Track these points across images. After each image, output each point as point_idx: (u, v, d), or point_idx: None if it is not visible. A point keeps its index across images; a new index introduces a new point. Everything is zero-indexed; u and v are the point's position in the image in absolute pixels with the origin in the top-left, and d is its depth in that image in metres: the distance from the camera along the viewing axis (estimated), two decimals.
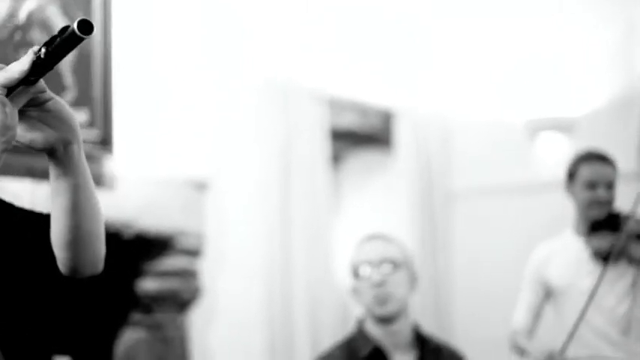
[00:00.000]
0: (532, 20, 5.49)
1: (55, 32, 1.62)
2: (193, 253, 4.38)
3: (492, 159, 5.67)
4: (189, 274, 4.38)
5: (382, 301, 3.10)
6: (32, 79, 1.49)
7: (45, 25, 3.79)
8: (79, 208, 1.72)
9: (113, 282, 4.22)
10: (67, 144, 1.67)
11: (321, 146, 5.12)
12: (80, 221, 1.73)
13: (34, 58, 1.46)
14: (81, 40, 1.42)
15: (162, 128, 4.34)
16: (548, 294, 3.88)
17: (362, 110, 5.55)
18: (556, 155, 5.28)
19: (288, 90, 4.96)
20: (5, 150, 1.45)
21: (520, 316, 3.90)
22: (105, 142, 3.89)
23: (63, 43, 1.45)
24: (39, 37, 3.71)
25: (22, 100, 1.51)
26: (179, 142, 4.43)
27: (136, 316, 4.34)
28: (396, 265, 3.14)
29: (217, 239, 4.57)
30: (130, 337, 4.32)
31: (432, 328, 5.39)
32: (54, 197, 1.73)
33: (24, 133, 1.55)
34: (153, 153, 4.25)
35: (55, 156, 1.68)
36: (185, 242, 4.32)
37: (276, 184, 4.86)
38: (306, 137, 5.03)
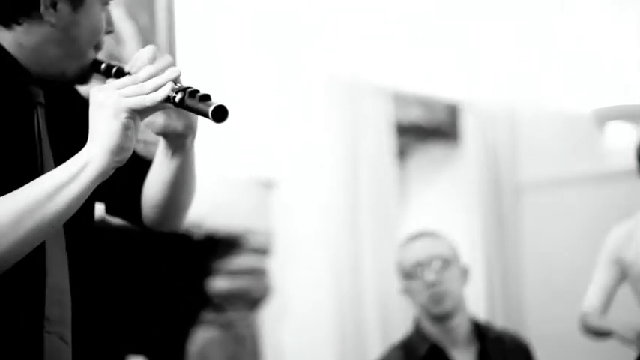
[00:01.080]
0: (597, 7, 5.41)
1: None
2: (262, 251, 4.40)
3: (560, 150, 5.59)
4: (258, 273, 4.40)
5: (438, 299, 3.07)
6: None
7: (118, 38, 3.82)
8: (177, 185, 1.87)
9: (184, 281, 4.27)
10: (182, 136, 1.78)
11: (387, 141, 5.11)
12: (175, 195, 1.89)
13: (168, 96, 1.51)
14: (208, 118, 1.49)
15: (229, 128, 4.35)
16: (623, 275, 3.77)
17: (427, 104, 5.52)
18: (625, 144, 5.20)
19: (353, 85, 4.96)
20: (115, 168, 1.51)
21: (593, 297, 3.76)
22: None
23: (195, 107, 1.51)
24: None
25: (150, 113, 1.58)
26: (246, 142, 4.45)
27: (208, 315, 4.38)
28: (446, 261, 3.11)
29: (286, 237, 4.58)
30: (202, 336, 4.35)
31: (501, 324, 5.35)
32: (157, 168, 1.87)
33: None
34: (220, 153, 4.27)
35: (168, 139, 1.80)
36: (254, 241, 4.34)
37: (343, 180, 4.86)
38: (372, 133, 5.01)
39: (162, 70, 1.56)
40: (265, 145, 4.55)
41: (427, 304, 3.09)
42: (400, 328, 4.84)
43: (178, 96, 1.51)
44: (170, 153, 1.82)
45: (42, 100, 1.75)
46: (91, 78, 1.81)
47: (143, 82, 1.54)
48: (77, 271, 1.77)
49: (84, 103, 1.85)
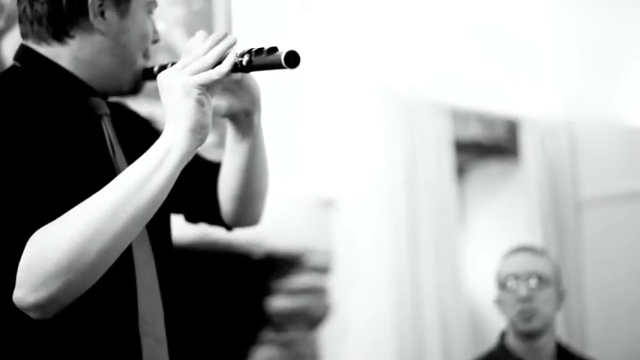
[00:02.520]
0: None
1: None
2: (322, 270, 4.39)
3: (620, 164, 5.52)
4: (318, 292, 4.39)
5: (527, 316, 3.02)
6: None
7: (170, 48, 3.85)
8: (251, 169, 1.89)
9: (244, 301, 4.27)
10: (248, 113, 1.81)
11: (446, 159, 5.08)
12: (251, 180, 1.91)
13: (235, 63, 1.50)
14: (283, 68, 1.46)
15: (288, 147, 4.37)
16: None
17: (486, 120, 5.48)
18: None
19: (412, 103, 4.94)
20: (199, 146, 1.51)
21: None
22: None
23: (266, 62, 1.48)
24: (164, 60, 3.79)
25: (217, 90, 1.58)
26: (305, 160, 4.46)
27: (268, 334, 4.38)
28: (543, 280, 3.06)
29: (346, 256, 4.58)
30: (262, 356, 4.36)
31: (563, 340, 5.29)
32: (229, 156, 1.90)
33: None
34: (279, 172, 4.28)
35: (236, 121, 1.82)
36: (314, 260, 4.34)
37: (403, 198, 4.84)
38: (430, 150, 4.99)
39: (219, 41, 1.57)
40: (325, 163, 4.55)
41: (516, 320, 3.05)
42: (460, 348, 4.81)
43: (245, 59, 1.49)
44: (240, 136, 1.85)
45: (107, 111, 1.79)
46: (143, 86, 1.84)
47: (204, 55, 1.54)
48: (163, 274, 1.79)
49: (135, 113, 1.89)
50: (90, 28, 1.73)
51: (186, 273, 3.98)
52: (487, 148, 5.63)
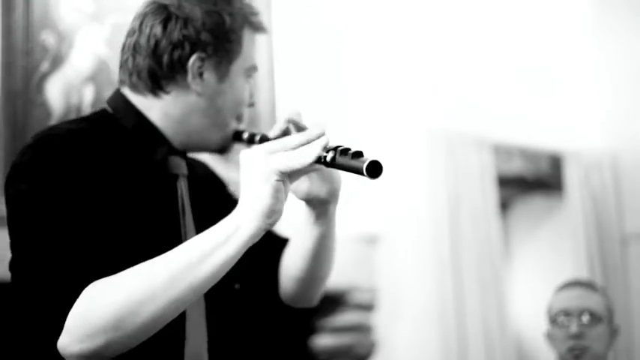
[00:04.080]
0: None
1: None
2: (367, 307, 4.37)
3: None
4: (364, 329, 4.37)
5: (578, 354, 2.98)
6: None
7: None
8: (318, 255, 1.89)
9: (290, 340, 4.26)
10: (325, 202, 1.80)
11: (489, 194, 5.05)
12: (315, 265, 1.91)
13: (319, 157, 1.49)
14: (363, 175, 1.44)
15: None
16: None
17: (530, 155, 5.45)
18: None
19: (454, 138, 4.93)
20: (267, 230, 1.50)
21: None
22: None
23: (348, 165, 1.47)
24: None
25: (300, 176, 1.59)
26: (348, 197, 4.44)
27: None
28: (595, 317, 3.02)
29: (390, 292, 4.55)
30: None
31: None
32: (299, 238, 1.90)
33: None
34: None
35: (311, 206, 1.82)
36: (359, 297, 4.32)
37: (447, 234, 4.82)
38: (474, 185, 4.97)
39: (312, 139, 1.54)
40: (369, 199, 4.54)
41: (566, 356, 3.01)
42: None
43: (329, 155, 1.48)
44: (312, 220, 1.84)
45: (185, 171, 1.80)
46: (231, 148, 1.84)
47: (293, 149, 1.52)
48: (215, 338, 1.79)
49: (213, 175, 1.90)
50: (187, 87, 1.75)
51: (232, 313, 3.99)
52: (531, 183, 5.60)
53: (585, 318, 3.01)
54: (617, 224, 5.68)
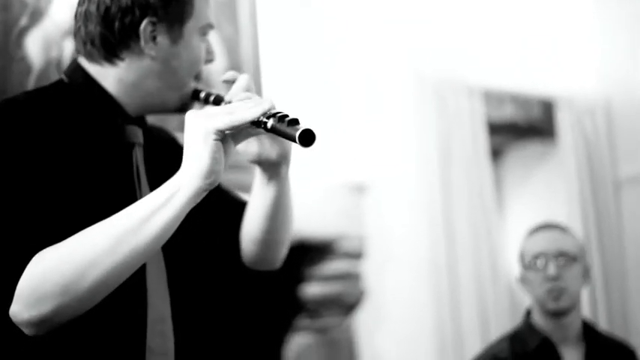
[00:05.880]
0: None
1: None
2: (356, 255, 4.38)
3: None
4: (352, 277, 4.38)
5: (557, 295, 3.02)
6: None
7: None
8: (274, 216, 1.92)
9: (278, 289, 4.28)
10: (276, 165, 1.83)
11: (481, 141, 5.04)
12: (274, 227, 1.94)
13: (258, 119, 1.52)
14: (296, 143, 1.49)
15: (319, 131, 4.35)
16: None
17: (521, 101, 5.43)
18: None
19: (445, 85, 4.91)
20: (207, 190, 1.52)
21: None
22: None
23: (284, 132, 1.51)
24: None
25: (242, 138, 1.61)
26: (336, 146, 4.45)
27: (303, 321, 4.38)
28: (571, 258, 3.05)
29: (379, 240, 4.57)
30: (298, 343, 4.36)
31: (604, 322, 5.24)
32: (256, 201, 1.93)
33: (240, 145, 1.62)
34: (310, 158, 4.28)
35: (263, 168, 1.86)
36: (347, 245, 4.33)
37: (437, 181, 4.82)
38: (465, 132, 4.96)
39: (257, 105, 1.56)
40: (356, 148, 4.54)
41: (544, 298, 3.04)
42: (498, 330, 4.78)
43: (270, 122, 1.52)
44: (266, 182, 1.88)
45: (140, 140, 1.80)
46: (191, 107, 1.85)
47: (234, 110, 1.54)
48: (178, 303, 1.81)
49: (173, 141, 1.92)
50: (140, 52, 1.76)
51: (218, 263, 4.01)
52: (523, 129, 5.58)
53: (562, 259, 3.04)
54: (610, 169, 5.67)
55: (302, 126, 1.49)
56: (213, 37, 1.93)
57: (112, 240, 1.49)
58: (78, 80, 1.78)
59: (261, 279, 4.17)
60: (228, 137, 1.55)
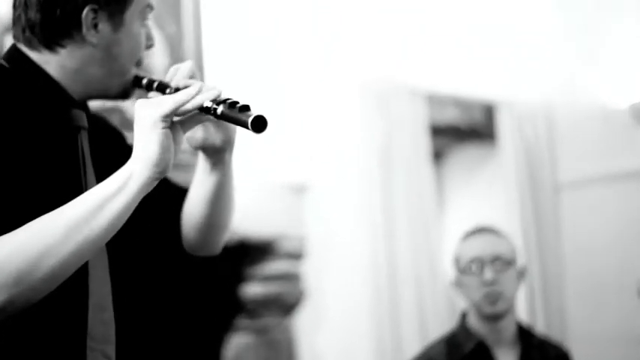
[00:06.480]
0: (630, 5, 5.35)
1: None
2: (296, 256, 4.40)
3: (598, 146, 5.52)
4: (292, 278, 4.40)
5: (493, 300, 3.01)
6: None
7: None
8: (216, 202, 1.91)
9: (218, 288, 4.27)
10: (220, 150, 1.83)
11: (422, 143, 5.07)
12: (217, 211, 1.94)
13: (208, 107, 1.54)
14: (248, 129, 1.50)
15: (261, 133, 4.35)
16: None
17: (463, 104, 5.48)
18: None
19: (387, 88, 4.94)
20: (158, 179, 1.53)
21: None
22: None
23: (235, 117, 1.52)
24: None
25: (191, 126, 1.61)
26: (278, 147, 4.45)
27: (243, 321, 4.38)
28: (506, 261, 3.05)
29: (320, 241, 4.58)
30: (237, 342, 4.36)
31: (542, 324, 5.30)
32: (198, 186, 1.92)
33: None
34: (252, 158, 4.28)
35: (207, 154, 1.86)
36: (287, 246, 4.34)
37: (378, 183, 4.84)
38: (406, 135, 4.99)
39: (203, 91, 1.58)
40: (298, 149, 4.54)
41: (480, 303, 3.04)
42: (437, 331, 4.81)
43: (219, 108, 1.53)
44: (209, 168, 1.87)
45: (85, 124, 1.79)
46: (132, 93, 1.85)
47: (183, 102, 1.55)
48: (120, 290, 1.81)
49: (113, 128, 1.91)
50: (82, 40, 1.74)
51: (159, 261, 3.99)
52: (464, 132, 5.64)
53: (498, 264, 3.05)
54: (550, 173, 5.74)
55: (254, 112, 1.50)
56: (156, 36, 1.93)
57: (64, 229, 1.48)
58: (20, 65, 1.76)
59: (202, 267, 4.18)
60: (177, 125, 1.55)
